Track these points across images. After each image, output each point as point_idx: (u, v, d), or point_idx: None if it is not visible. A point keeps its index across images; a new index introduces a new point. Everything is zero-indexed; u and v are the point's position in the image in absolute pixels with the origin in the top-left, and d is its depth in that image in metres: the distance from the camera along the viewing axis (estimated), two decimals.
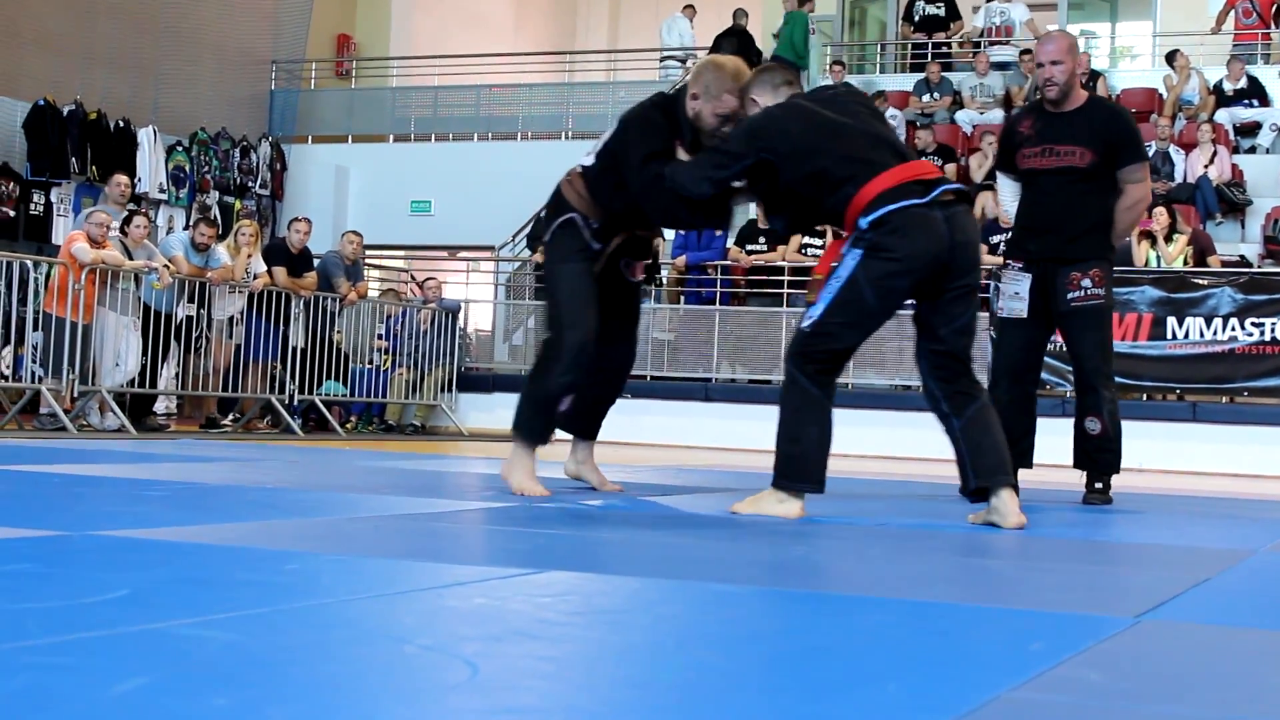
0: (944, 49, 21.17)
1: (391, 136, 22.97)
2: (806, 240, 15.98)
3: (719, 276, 16.29)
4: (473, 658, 2.46)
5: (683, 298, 16.65)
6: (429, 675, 2.32)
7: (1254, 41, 20.00)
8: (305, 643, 2.56)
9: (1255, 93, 18.87)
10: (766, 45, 21.27)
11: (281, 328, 14.47)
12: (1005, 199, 7.62)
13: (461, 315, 17.02)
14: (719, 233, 16.06)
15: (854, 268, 5.46)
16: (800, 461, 5.58)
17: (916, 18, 21.51)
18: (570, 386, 6.47)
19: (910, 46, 21.82)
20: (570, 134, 21.91)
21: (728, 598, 3.39)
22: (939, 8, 21.37)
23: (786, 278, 15.88)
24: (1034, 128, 7.37)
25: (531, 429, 6.62)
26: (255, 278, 14.17)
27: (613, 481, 7.22)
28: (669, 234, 17.01)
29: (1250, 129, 18.69)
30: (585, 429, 7.26)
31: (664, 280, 16.91)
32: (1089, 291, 7.23)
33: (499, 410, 16.24)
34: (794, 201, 5.80)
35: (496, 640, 2.67)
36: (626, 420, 15.50)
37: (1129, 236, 7.48)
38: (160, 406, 14.26)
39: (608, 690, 2.32)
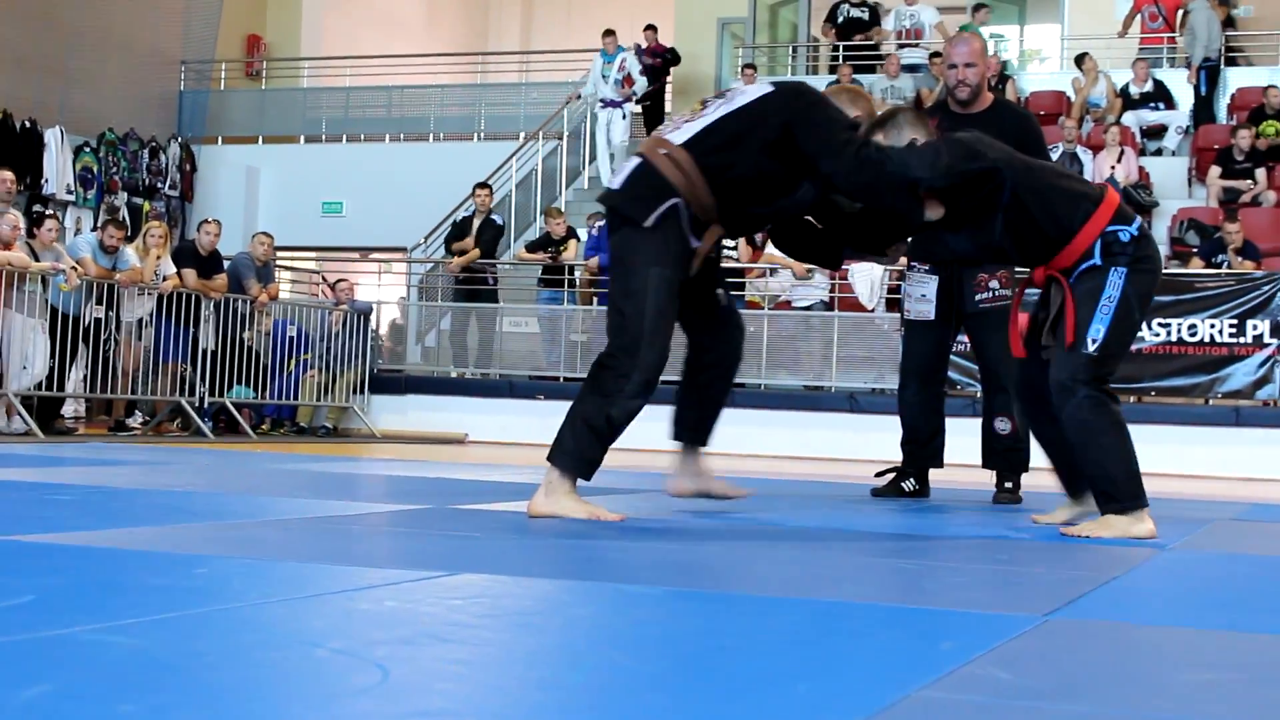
0: (857, 52, 21.26)
1: (302, 137, 22.84)
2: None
3: None
4: (383, 661, 2.45)
5: (596, 299, 16.62)
6: (339, 679, 2.31)
7: (1160, 45, 20.23)
8: (214, 648, 2.54)
9: (1161, 96, 19.10)
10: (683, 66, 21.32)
11: (191, 330, 14.36)
12: None
13: (373, 317, 16.95)
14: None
15: (1123, 286, 5.40)
16: (1138, 479, 5.52)
17: (840, 19, 21.59)
18: (636, 413, 5.69)
19: (823, 49, 21.91)
20: (482, 135, 21.87)
21: (639, 599, 3.39)
22: (863, 11, 21.48)
23: None
24: (940, 129, 7.41)
25: (582, 458, 5.59)
26: (164, 279, 14.05)
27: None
28: (582, 235, 17.01)
29: (1156, 131, 18.92)
30: (698, 435, 6.34)
31: (577, 280, 16.90)
32: (996, 293, 7.29)
33: (411, 412, 16.22)
34: (1013, 221, 5.43)
35: (407, 643, 2.66)
36: (541, 423, 15.48)
37: None
38: (68, 410, 14.10)
39: (518, 692, 2.32)
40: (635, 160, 5.53)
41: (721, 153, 5.41)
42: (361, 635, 2.75)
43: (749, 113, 5.47)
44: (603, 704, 2.22)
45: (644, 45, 20.96)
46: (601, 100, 20.01)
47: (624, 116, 19.99)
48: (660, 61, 20.98)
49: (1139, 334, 14.05)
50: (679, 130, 5.48)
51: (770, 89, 5.57)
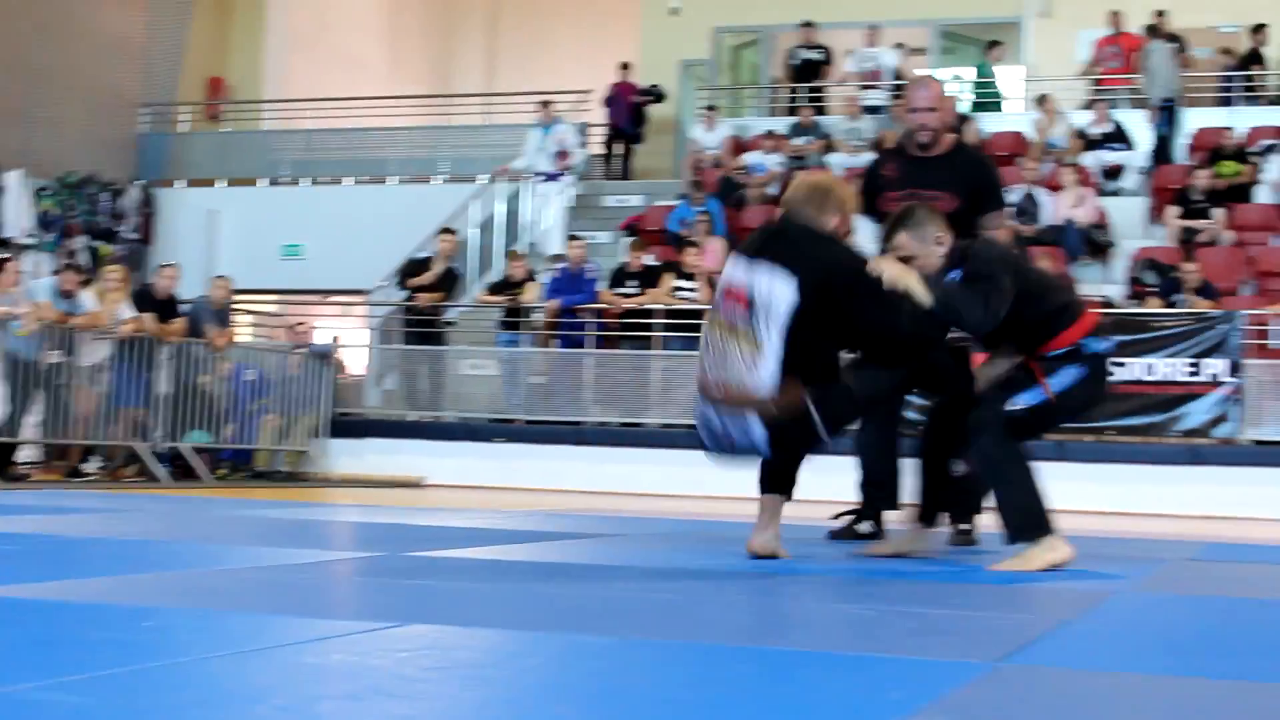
0: (818, 93, 21.35)
1: (264, 180, 22.79)
2: (679, 284, 16.02)
3: (591, 320, 16.27)
4: (326, 717, 2.43)
5: (555, 341, 16.62)
6: None
7: (1119, 86, 20.36)
8: (156, 705, 2.52)
9: (1120, 136, 19.20)
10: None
11: (148, 374, 14.29)
12: (867, 241, 7.66)
13: (333, 359, 16.90)
14: None
15: (1071, 382, 5.95)
16: (1043, 509, 5.97)
17: (795, 62, 21.69)
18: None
19: (785, 90, 22.00)
20: (444, 177, 21.86)
21: (590, 649, 3.38)
22: (818, 53, 21.58)
23: (659, 320, 15.90)
24: (899, 171, 7.42)
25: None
26: (122, 323, 13.98)
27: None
28: (542, 279, 17.02)
29: (1115, 172, 19.01)
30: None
31: (538, 324, 16.90)
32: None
33: (370, 455, 16.14)
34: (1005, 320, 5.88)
35: (352, 698, 2.64)
36: (497, 465, 15.49)
37: None
38: (23, 455, 14.01)
39: None
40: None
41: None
42: (306, 691, 2.74)
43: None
44: None
45: (619, 81, 21.11)
46: (538, 173, 19.77)
47: (560, 191, 19.64)
48: (646, 100, 21.16)
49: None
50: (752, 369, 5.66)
51: (794, 296, 5.65)
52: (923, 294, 5.75)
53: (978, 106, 20.92)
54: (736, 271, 5.77)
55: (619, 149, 22.12)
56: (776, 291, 5.59)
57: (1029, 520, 5.86)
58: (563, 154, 19.64)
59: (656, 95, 21.22)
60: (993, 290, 5.81)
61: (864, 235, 7.63)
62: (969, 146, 7.75)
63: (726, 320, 5.67)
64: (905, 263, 5.90)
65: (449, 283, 17.05)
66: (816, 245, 5.78)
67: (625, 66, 21.31)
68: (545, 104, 19.87)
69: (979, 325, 5.87)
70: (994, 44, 20.95)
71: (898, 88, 20.55)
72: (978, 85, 21.46)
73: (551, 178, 19.49)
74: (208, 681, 2.80)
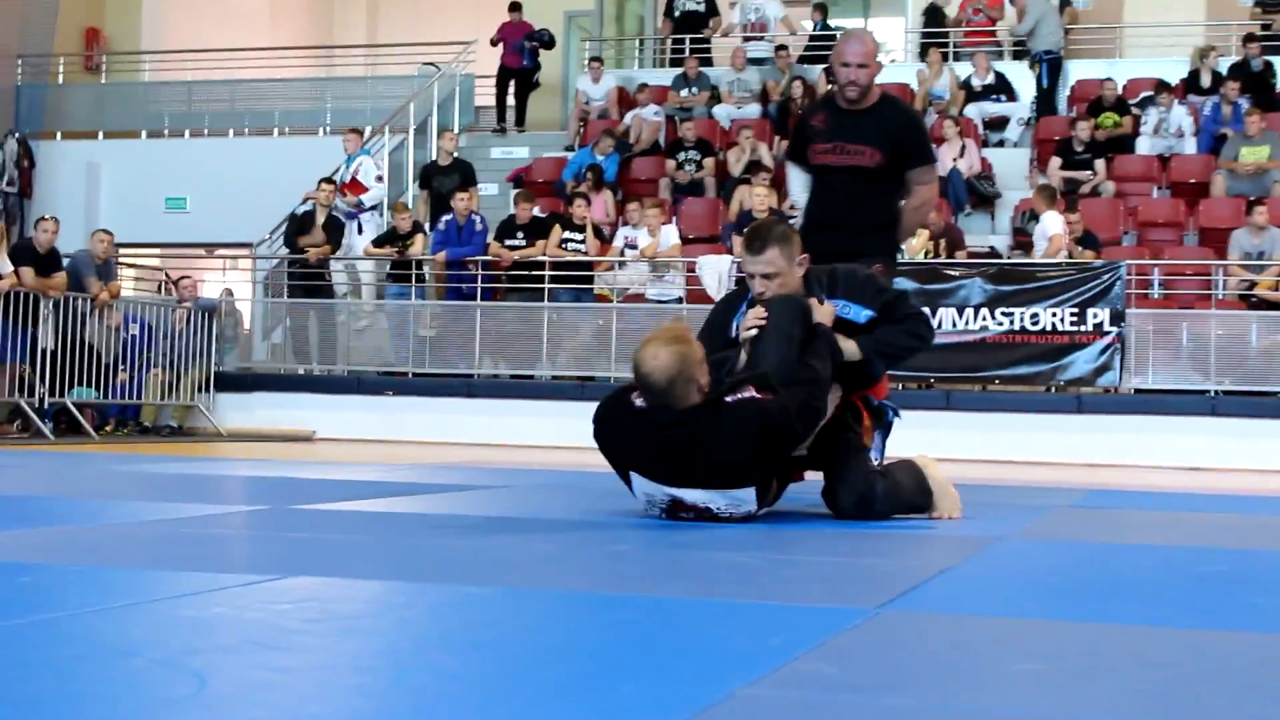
0: (703, 45, 21.32)
1: (144, 132, 22.47)
2: (567, 235, 15.99)
3: (480, 272, 16.20)
4: (202, 670, 2.41)
5: (444, 293, 16.55)
6: (154, 690, 2.27)
7: (990, 40, 20.49)
8: (29, 660, 2.48)
9: (1003, 88, 19.34)
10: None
11: (30, 329, 14.08)
12: (795, 190, 7.65)
13: (218, 314, 16.73)
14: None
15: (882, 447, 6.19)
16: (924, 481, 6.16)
17: (677, 13, 21.61)
18: None
19: (669, 41, 21.95)
20: (328, 129, 21.65)
21: (470, 599, 3.37)
22: (699, 4, 21.52)
23: (547, 273, 15.86)
24: (827, 123, 7.43)
25: None
26: (1, 278, 13.76)
27: None
28: (428, 229, 16.92)
29: (998, 123, 19.16)
30: None
31: (426, 276, 16.81)
32: None
33: (258, 410, 16.03)
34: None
35: (229, 651, 2.62)
36: (387, 418, 15.43)
37: (912, 235, 7.67)
38: None
39: (339, 699, 2.29)
40: None
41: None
42: (183, 644, 2.71)
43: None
44: (423, 710, 2.20)
45: (509, 22, 20.92)
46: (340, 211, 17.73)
47: (359, 230, 17.78)
48: (537, 45, 20.92)
49: (985, 326, 14.30)
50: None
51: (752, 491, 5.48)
52: (852, 348, 5.79)
53: None
54: (671, 491, 5.42)
55: (512, 102, 21.80)
56: (737, 497, 5.41)
57: (923, 499, 6.02)
58: (355, 185, 17.94)
59: (546, 40, 21.02)
60: (915, 307, 6.15)
61: (795, 182, 7.66)
62: (896, 102, 7.73)
63: (692, 519, 5.49)
64: (768, 280, 5.83)
65: (333, 231, 16.85)
66: (728, 429, 5.29)
67: (515, 8, 21.11)
68: (356, 130, 18.59)
69: (930, 341, 6.11)
70: (819, 6, 21.03)
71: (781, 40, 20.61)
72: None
73: (350, 216, 17.68)
74: (83, 635, 2.76)
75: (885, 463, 6.16)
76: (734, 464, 5.31)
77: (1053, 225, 15.07)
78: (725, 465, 5.30)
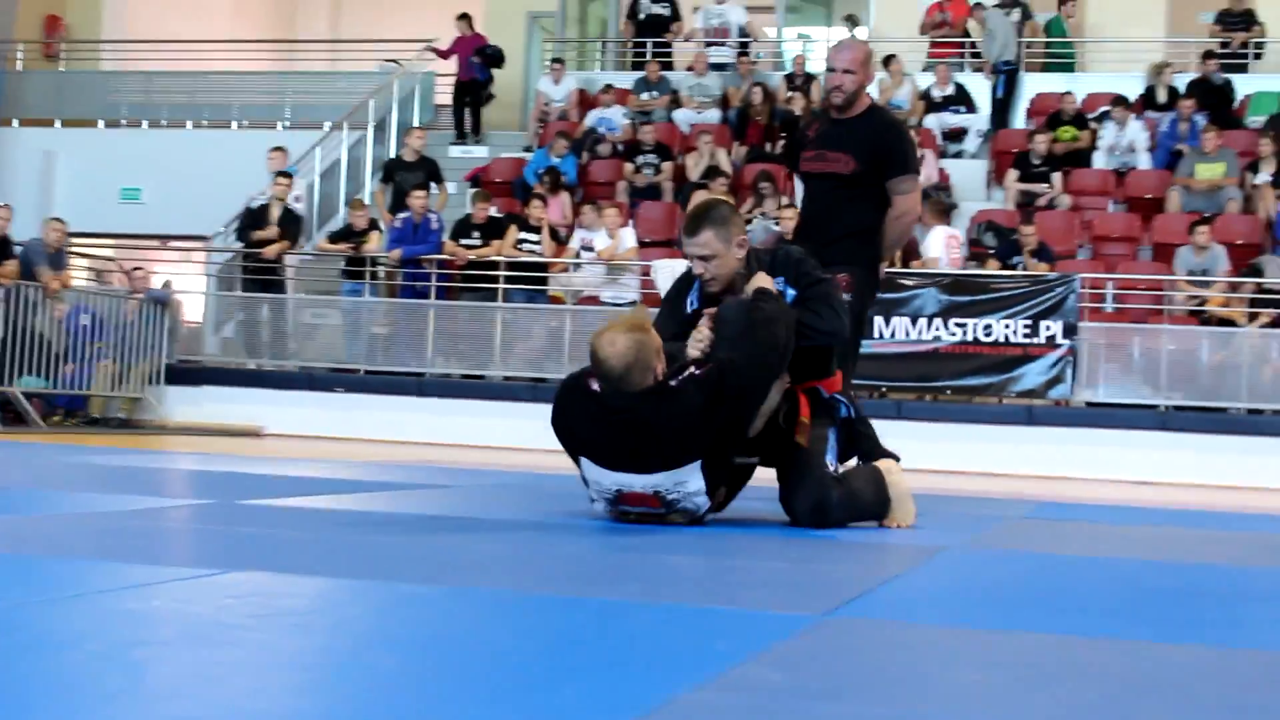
0: (665, 49, 21.31)
1: (102, 122, 22.35)
2: (523, 236, 15.96)
3: (435, 271, 16.16)
4: (139, 664, 2.37)
5: (398, 291, 16.49)
6: (88, 684, 2.23)
7: (954, 52, 20.54)
8: None
9: (962, 99, 19.41)
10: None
11: None
12: (799, 197, 7.70)
13: (171, 305, 16.63)
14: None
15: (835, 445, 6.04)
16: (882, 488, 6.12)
17: (640, 16, 21.59)
18: None
19: (631, 44, 21.93)
20: (287, 123, 21.58)
21: (414, 599, 3.34)
22: (664, 7, 21.49)
23: (502, 273, 15.83)
24: (816, 131, 7.46)
25: None
26: None
27: None
28: (384, 227, 16.85)
29: (957, 134, 19.22)
30: None
31: (379, 274, 16.76)
32: None
33: (207, 404, 15.94)
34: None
35: (167, 645, 2.59)
36: (338, 415, 15.36)
37: (900, 246, 7.63)
38: None
39: (276, 696, 2.26)
40: None
41: None
42: (121, 637, 2.67)
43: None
44: (361, 709, 2.17)
45: (461, 36, 20.80)
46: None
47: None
48: (484, 59, 20.71)
49: (938, 336, 14.33)
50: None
51: (700, 475, 5.40)
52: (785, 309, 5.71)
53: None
54: (618, 478, 5.38)
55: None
56: (680, 475, 5.35)
57: (880, 507, 6.01)
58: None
59: (494, 55, 20.79)
60: (839, 292, 5.93)
61: (799, 190, 7.66)
62: (882, 111, 7.73)
63: (641, 513, 5.46)
64: (705, 261, 5.81)
65: (289, 225, 16.77)
66: (674, 413, 5.29)
67: (464, 18, 20.95)
68: (280, 149, 18.31)
69: (840, 332, 5.94)
70: (852, 19, 21.06)
71: (743, 45, 20.61)
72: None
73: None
74: (22, 627, 2.72)
75: (845, 468, 6.15)
76: (680, 441, 5.31)
77: (935, 245, 15.15)
78: (672, 446, 5.31)
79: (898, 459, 6.46)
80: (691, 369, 5.37)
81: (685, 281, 6.12)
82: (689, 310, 5.98)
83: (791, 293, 5.86)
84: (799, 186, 7.66)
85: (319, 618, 3.08)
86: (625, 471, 5.36)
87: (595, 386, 5.37)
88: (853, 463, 6.42)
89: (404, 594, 3.41)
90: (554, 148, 18.36)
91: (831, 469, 5.94)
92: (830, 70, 7.35)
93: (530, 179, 18.07)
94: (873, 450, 6.80)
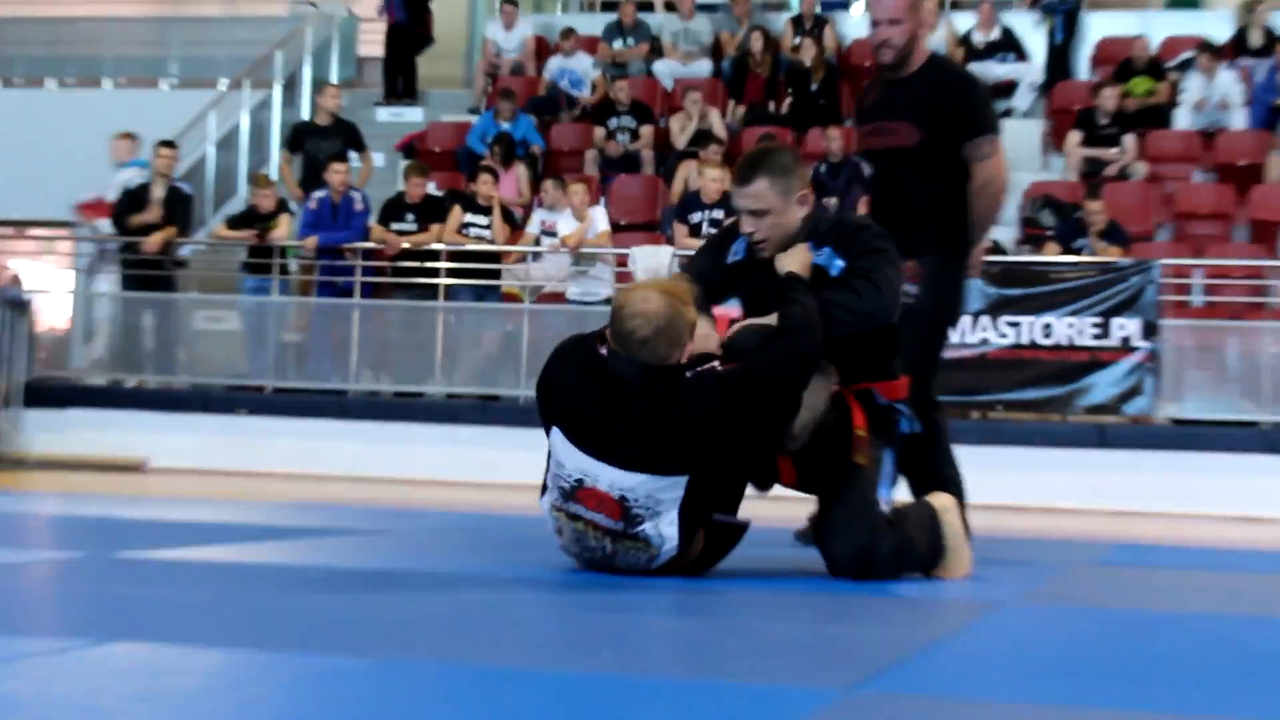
0: None
1: None
2: (469, 219, 15.95)
3: (360, 263, 16.12)
4: None
5: (313, 288, 16.47)
6: None
7: None
8: None
9: (1011, 45, 19.38)
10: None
11: None
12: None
13: (29, 310, 16.59)
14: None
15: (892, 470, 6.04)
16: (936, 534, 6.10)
17: None
18: None
19: None
20: (174, 81, 21.56)
21: (338, 674, 3.33)
22: None
23: (444, 264, 15.82)
24: (872, 100, 7.45)
25: None
26: None
27: None
28: (296, 209, 16.83)
29: (1005, 89, 19.20)
30: None
31: (289, 267, 16.73)
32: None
33: (77, 431, 15.87)
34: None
35: None
36: (240, 443, 15.33)
37: (990, 224, 7.52)
38: None
39: None
40: None
41: None
42: None
43: None
44: None
45: None
46: None
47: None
48: None
49: (986, 338, 14.33)
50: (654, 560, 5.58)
51: (683, 485, 5.40)
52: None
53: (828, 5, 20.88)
54: (583, 463, 5.40)
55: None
56: (658, 488, 5.34)
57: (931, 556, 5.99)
58: (98, 206, 17.58)
59: None
60: (892, 272, 5.81)
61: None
62: (944, 63, 7.70)
63: (592, 522, 5.42)
64: (756, 217, 5.83)
65: (176, 208, 16.66)
66: (680, 405, 5.37)
67: None
68: (129, 135, 18.20)
69: (878, 313, 5.78)
70: None
71: None
72: None
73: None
74: None
75: (896, 504, 6.11)
76: (675, 440, 5.32)
77: None
78: (664, 442, 5.32)
79: (962, 497, 6.47)
80: (715, 364, 5.42)
81: (730, 231, 6.13)
82: (729, 260, 6.04)
83: (840, 264, 5.82)
84: (867, 169, 7.66)
85: (218, 700, 3.06)
86: (597, 458, 5.35)
87: (604, 351, 5.44)
88: (898, 492, 6.38)
89: (323, 668, 3.40)
90: (500, 111, 18.29)
91: (883, 504, 5.88)
92: (874, 24, 7.32)
93: (477, 147, 18.07)
94: (936, 483, 6.77)
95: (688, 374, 5.36)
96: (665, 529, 5.35)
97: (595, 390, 5.41)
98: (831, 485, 5.77)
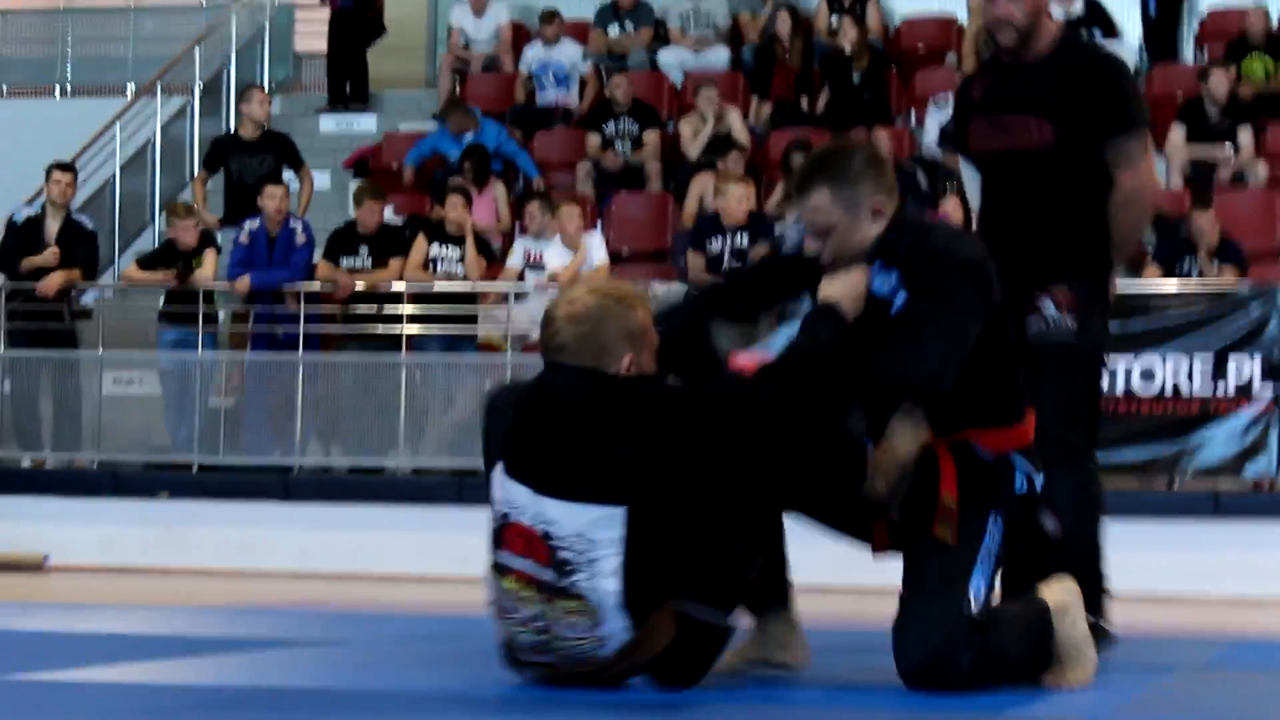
0: None
1: None
2: (436, 251, 15.95)
3: (303, 309, 16.09)
4: None
5: (247, 341, 16.50)
6: None
7: None
8: None
9: (1098, 19, 19.36)
10: None
11: None
12: (971, 193, 7.68)
13: None
14: None
15: (999, 541, 5.85)
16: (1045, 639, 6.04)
17: None
18: None
19: None
20: (69, 87, 21.64)
21: None
22: None
23: (406, 309, 15.83)
24: (986, 91, 7.44)
25: None
26: None
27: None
28: (224, 243, 16.86)
29: None
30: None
31: (217, 315, 16.73)
32: (1054, 322, 7.15)
33: None
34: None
35: None
36: (162, 535, 15.35)
37: (1135, 242, 7.47)
38: None
39: None
40: None
41: None
42: None
43: None
44: None
45: None
46: None
47: None
48: None
49: None
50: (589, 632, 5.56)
51: (621, 524, 5.42)
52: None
53: None
54: (509, 493, 5.50)
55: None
56: (587, 522, 5.38)
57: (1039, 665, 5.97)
58: None
59: None
60: (955, 321, 5.61)
61: (969, 182, 7.69)
62: (1082, 47, 7.70)
63: (521, 574, 5.45)
64: (820, 236, 5.75)
65: (76, 245, 16.64)
66: (611, 420, 5.45)
67: None
68: None
69: (917, 381, 5.60)
70: None
71: None
72: None
73: None
74: None
75: (995, 599, 6.09)
76: (600, 459, 5.37)
77: None
78: (593, 459, 5.38)
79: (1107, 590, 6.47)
80: (670, 379, 5.54)
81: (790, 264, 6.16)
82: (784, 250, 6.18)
83: (905, 297, 5.71)
84: (967, 177, 7.65)
85: None
86: (520, 481, 5.44)
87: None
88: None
89: None
90: (451, 121, 18.19)
91: (974, 599, 5.74)
92: (990, 1, 7.33)
93: (447, 156, 18.04)
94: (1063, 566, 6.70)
95: (642, 389, 5.43)
96: (603, 583, 5.32)
97: (530, 408, 5.54)
98: (907, 568, 5.74)
